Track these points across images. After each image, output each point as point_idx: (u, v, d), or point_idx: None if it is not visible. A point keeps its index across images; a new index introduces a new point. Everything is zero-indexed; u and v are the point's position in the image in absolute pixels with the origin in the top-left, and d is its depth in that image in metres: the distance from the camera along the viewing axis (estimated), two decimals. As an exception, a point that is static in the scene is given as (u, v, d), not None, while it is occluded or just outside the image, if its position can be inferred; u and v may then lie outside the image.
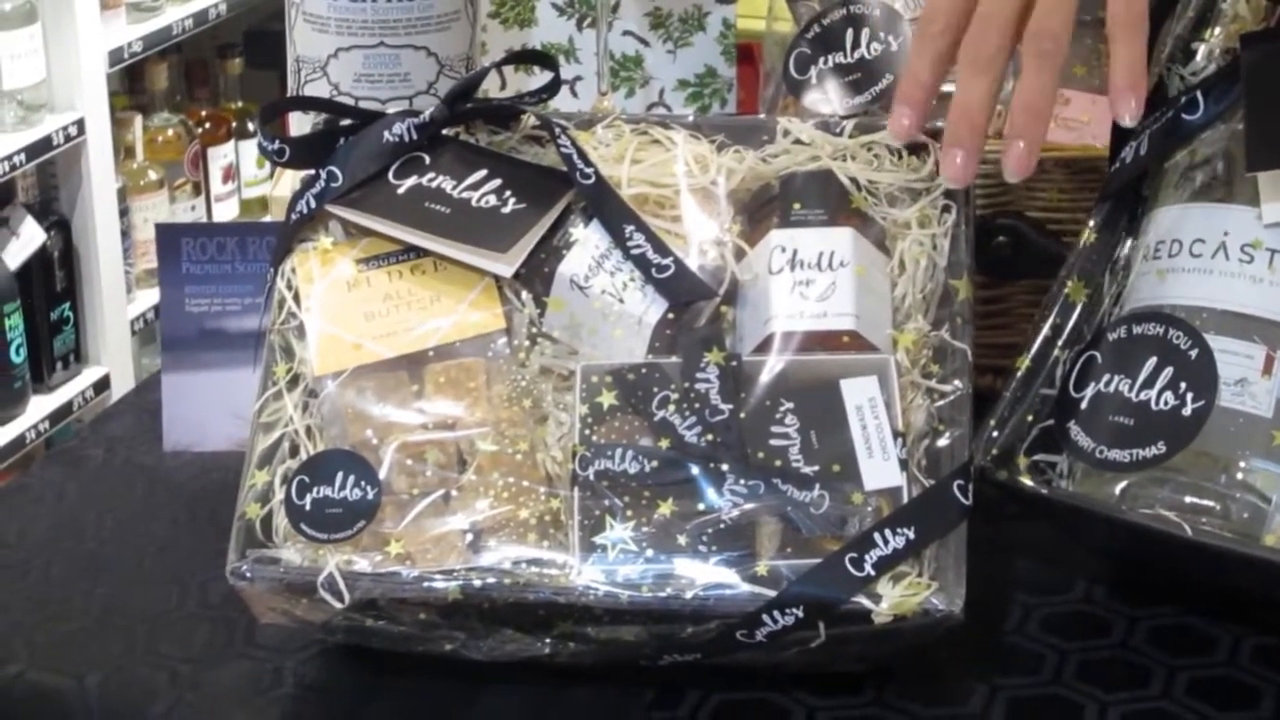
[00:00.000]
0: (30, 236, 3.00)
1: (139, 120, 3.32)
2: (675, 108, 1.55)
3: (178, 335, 1.32)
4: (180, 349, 1.32)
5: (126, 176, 3.27)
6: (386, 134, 1.13)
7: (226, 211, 3.51)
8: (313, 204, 1.12)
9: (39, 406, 3.08)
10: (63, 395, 3.12)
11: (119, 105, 3.29)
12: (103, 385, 3.17)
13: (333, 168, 1.12)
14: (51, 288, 3.08)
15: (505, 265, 1.08)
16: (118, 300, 3.19)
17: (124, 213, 3.22)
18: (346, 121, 1.16)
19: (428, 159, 1.13)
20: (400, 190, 1.12)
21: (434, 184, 1.12)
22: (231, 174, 3.54)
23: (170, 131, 3.41)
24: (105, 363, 3.20)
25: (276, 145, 1.14)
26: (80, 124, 3.04)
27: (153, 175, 3.33)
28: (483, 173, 1.12)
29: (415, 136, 1.13)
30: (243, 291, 1.31)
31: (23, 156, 2.94)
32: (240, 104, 3.58)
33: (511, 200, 1.11)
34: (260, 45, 3.48)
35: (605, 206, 1.11)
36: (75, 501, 1.27)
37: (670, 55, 1.55)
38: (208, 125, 3.51)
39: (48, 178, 3.11)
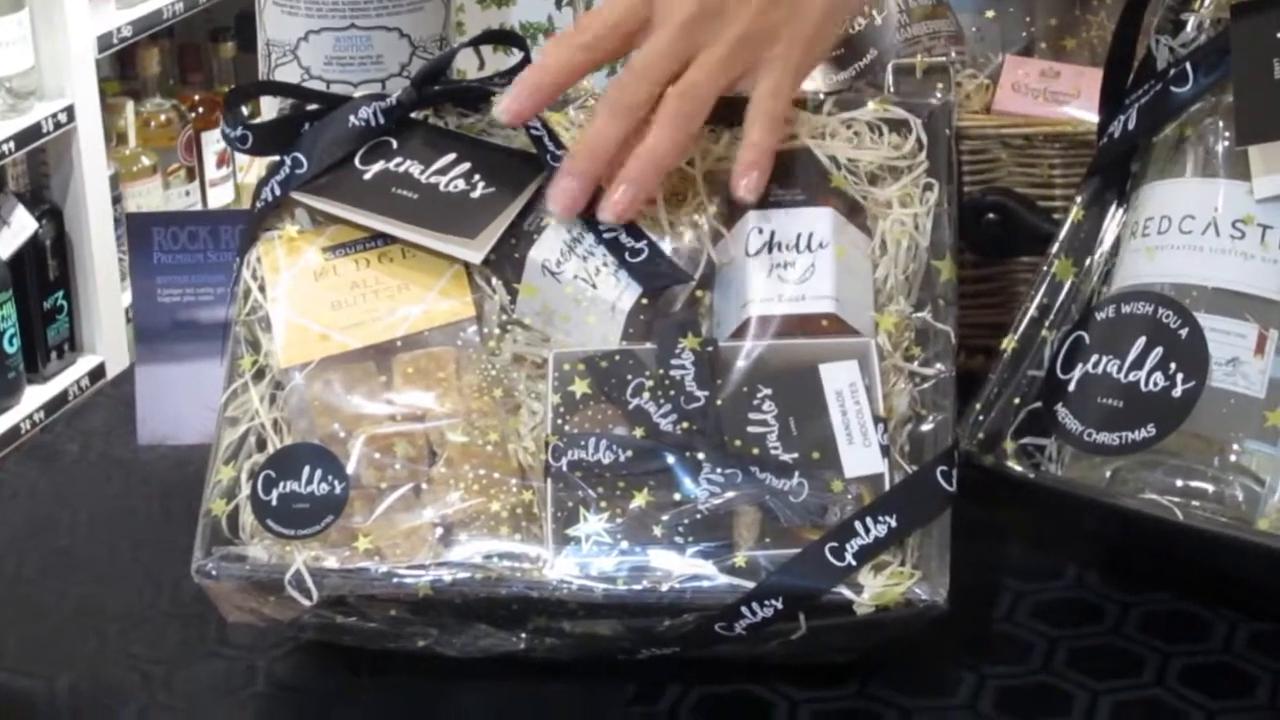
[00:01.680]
0: (21, 225, 2.98)
1: (131, 106, 3.29)
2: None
3: (151, 327, 1.29)
4: (154, 341, 1.29)
5: (119, 163, 3.25)
6: (352, 118, 1.11)
7: (222, 196, 3.49)
8: (277, 191, 1.09)
9: (34, 397, 3.06)
10: (58, 385, 3.10)
11: (110, 91, 3.27)
12: (98, 374, 3.15)
13: (298, 154, 1.10)
14: (44, 277, 3.06)
15: (474, 252, 1.06)
16: (112, 288, 3.16)
17: (117, 200, 3.20)
18: (313, 107, 1.13)
19: (395, 143, 1.10)
20: (367, 176, 1.09)
21: (401, 169, 1.09)
22: (226, 159, 3.52)
23: (163, 116, 3.38)
24: (100, 351, 3.18)
25: (239, 132, 1.12)
26: (70, 111, 3.02)
27: (146, 161, 3.30)
28: (451, 156, 1.10)
29: (382, 120, 1.11)
30: (215, 281, 1.28)
31: (12, 144, 2.91)
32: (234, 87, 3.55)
33: (480, 184, 1.08)
34: (253, 28, 3.44)
35: None
36: (48, 497, 1.25)
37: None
38: (201, 110, 3.48)
39: (38, 165, 3.08)
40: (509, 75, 1.15)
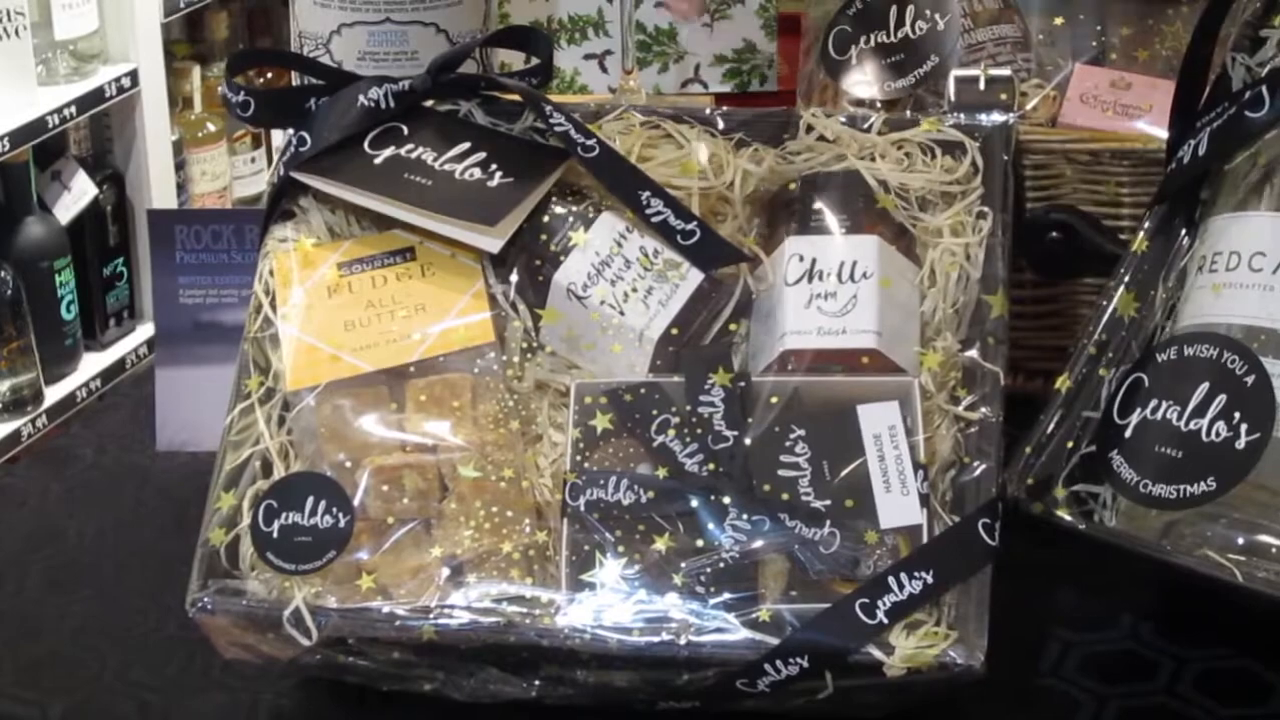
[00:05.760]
0: (82, 190, 2.93)
1: (197, 70, 3.24)
2: (712, 84, 1.47)
3: (171, 328, 1.24)
4: (174, 342, 1.24)
5: (184, 128, 3.20)
6: (362, 98, 1.05)
7: (288, 163, 3.44)
8: (282, 171, 1.04)
9: (91, 364, 3.01)
10: (116, 352, 3.05)
11: (179, 53, 3.22)
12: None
13: (303, 133, 1.04)
14: (104, 243, 3.01)
15: (493, 239, 0.99)
16: (173, 256, 3.12)
17: (180, 165, 3.15)
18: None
19: (406, 130, 1.05)
20: (377, 160, 1.03)
21: (413, 155, 1.03)
22: (293, 125, 3.47)
23: (230, 81, 3.33)
24: (160, 319, 3.14)
25: (241, 97, 1.06)
26: (134, 75, 2.97)
27: (211, 127, 3.25)
28: (465, 145, 1.04)
29: (392, 104, 1.05)
30: (239, 282, 1.23)
31: (74, 109, 2.87)
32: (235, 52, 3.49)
33: (498, 173, 1.02)
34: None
35: (616, 176, 1.02)
36: (58, 505, 1.20)
37: (707, 29, 1.46)
38: (269, 75, 3.42)
39: (101, 130, 3.04)
40: (523, 75, 1.09)
